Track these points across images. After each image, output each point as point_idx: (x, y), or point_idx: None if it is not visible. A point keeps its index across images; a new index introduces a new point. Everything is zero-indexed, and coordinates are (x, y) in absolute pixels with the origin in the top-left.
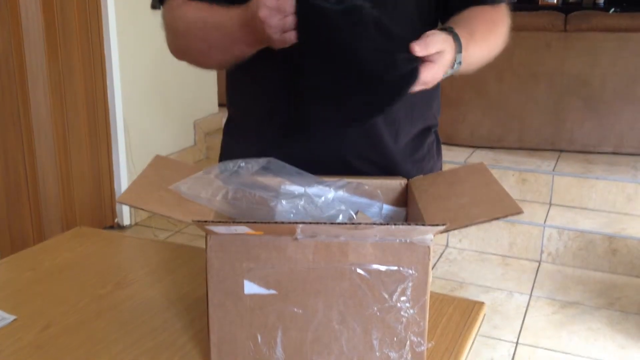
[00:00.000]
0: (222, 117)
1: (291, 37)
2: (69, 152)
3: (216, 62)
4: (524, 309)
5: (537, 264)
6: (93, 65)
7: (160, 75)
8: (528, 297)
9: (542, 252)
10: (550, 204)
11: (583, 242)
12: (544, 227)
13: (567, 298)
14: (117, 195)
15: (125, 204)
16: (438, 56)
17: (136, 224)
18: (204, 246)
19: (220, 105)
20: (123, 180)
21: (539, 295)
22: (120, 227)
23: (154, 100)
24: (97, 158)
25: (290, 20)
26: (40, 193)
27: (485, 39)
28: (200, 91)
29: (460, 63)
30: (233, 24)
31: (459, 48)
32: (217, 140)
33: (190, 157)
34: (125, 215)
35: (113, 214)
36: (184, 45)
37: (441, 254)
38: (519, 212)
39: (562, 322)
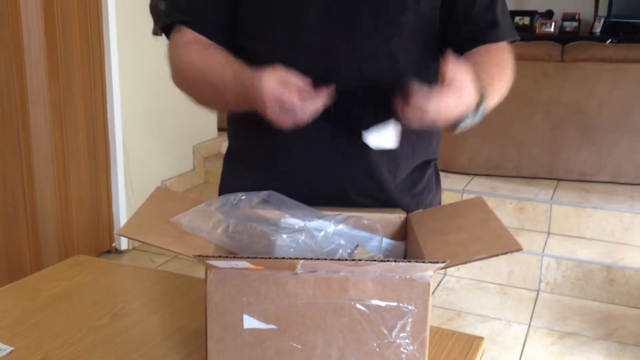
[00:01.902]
0: (222, 141)
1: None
2: (68, 176)
3: (214, 109)
4: (523, 339)
5: (536, 293)
6: (93, 89)
7: (160, 100)
8: (527, 327)
9: (540, 281)
10: (549, 233)
11: (581, 272)
12: (542, 257)
13: (566, 328)
14: (115, 220)
15: (126, 237)
16: (459, 85)
17: (134, 248)
18: (202, 275)
19: (220, 129)
20: (121, 204)
21: (537, 326)
22: (118, 252)
23: (153, 124)
24: (96, 182)
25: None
26: (38, 216)
27: (500, 85)
28: (200, 116)
29: (483, 113)
30: (231, 91)
31: (482, 98)
32: (216, 164)
33: (189, 182)
34: (123, 240)
35: (111, 238)
36: (185, 87)
37: (439, 283)
38: (519, 249)
39: (560, 353)
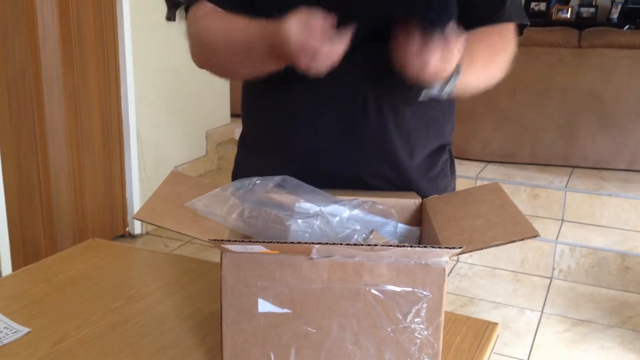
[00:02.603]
0: (234, 127)
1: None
2: (82, 161)
3: (241, 76)
4: (535, 326)
5: (549, 280)
6: (107, 74)
7: (173, 86)
8: (539, 314)
9: (554, 268)
10: (563, 221)
11: (595, 259)
12: (556, 244)
13: (579, 316)
14: (129, 205)
15: (142, 221)
16: (448, 56)
17: (147, 233)
18: (216, 259)
19: (233, 115)
20: (135, 189)
21: (550, 313)
22: (132, 236)
23: (166, 110)
24: (110, 167)
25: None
26: (52, 201)
27: (485, 69)
28: (213, 102)
29: (452, 88)
30: (258, 43)
31: (454, 74)
32: (229, 150)
33: (202, 167)
34: (137, 224)
35: (124, 223)
36: (207, 58)
37: (452, 269)
38: (536, 235)
39: (573, 341)
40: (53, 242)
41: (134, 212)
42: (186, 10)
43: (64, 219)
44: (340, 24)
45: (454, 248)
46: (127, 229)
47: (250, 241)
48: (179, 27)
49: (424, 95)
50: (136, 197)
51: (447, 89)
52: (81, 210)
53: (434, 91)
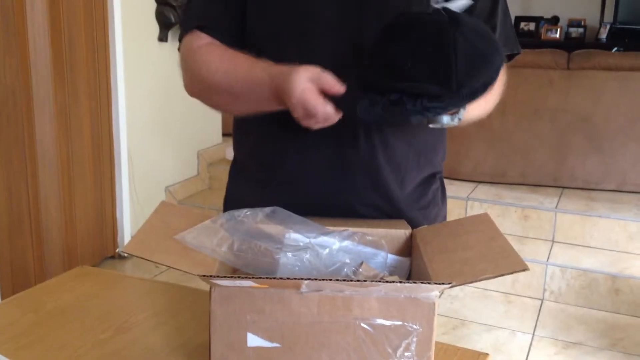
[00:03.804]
0: (226, 147)
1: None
2: (72, 182)
3: (236, 113)
4: (527, 349)
5: (540, 302)
6: (99, 95)
7: (164, 106)
8: (531, 336)
9: (544, 290)
10: (553, 242)
11: (586, 280)
12: (547, 265)
13: (570, 338)
14: (119, 226)
15: (131, 254)
16: None
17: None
18: (205, 287)
19: (224, 135)
20: (125, 210)
21: (541, 335)
22: (121, 257)
23: (158, 130)
24: (100, 188)
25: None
26: (42, 222)
27: (484, 99)
28: (205, 121)
29: (461, 119)
30: (262, 87)
31: (462, 108)
32: (221, 170)
33: (193, 188)
34: None
35: (114, 244)
36: (203, 91)
37: (443, 291)
38: (525, 269)
39: None
40: (42, 265)
41: (124, 233)
42: (180, 36)
43: (53, 240)
44: (349, 94)
45: (443, 284)
46: (117, 251)
47: (239, 276)
48: (171, 47)
49: (433, 125)
50: (126, 218)
51: (456, 120)
52: (71, 232)
53: (443, 122)
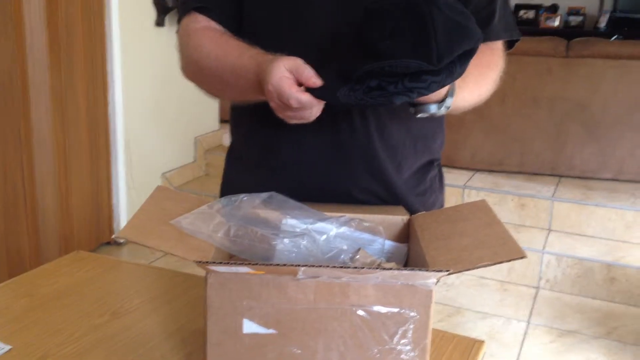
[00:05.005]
0: (223, 133)
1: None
2: (68, 168)
3: (228, 99)
4: (522, 337)
5: (535, 290)
6: (95, 81)
7: (161, 92)
8: (526, 324)
9: (540, 278)
10: (550, 230)
11: (582, 269)
12: (543, 254)
13: (565, 326)
14: (115, 212)
15: (126, 239)
16: None
17: None
18: (200, 272)
19: (222, 121)
20: (122, 196)
21: (537, 323)
22: (117, 244)
23: (155, 116)
24: (97, 174)
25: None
26: (38, 208)
27: (477, 85)
28: (202, 108)
29: (448, 107)
30: (248, 75)
31: (450, 92)
32: (218, 156)
33: (190, 174)
34: None
35: (110, 230)
36: (196, 75)
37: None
38: (522, 256)
39: (559, 352)
40: (38, 251)
41: (120, 219)
42: (178, 19)
43: (49, 226)
44: (329, 87)
45: (440, 271)
46: (113, 237)
47: (236, 262)
48: (168, 32)
49: (420, 114)
50: (123, 204)
51: (442, 109)
52: (67, 218)
53: (430, 110)
